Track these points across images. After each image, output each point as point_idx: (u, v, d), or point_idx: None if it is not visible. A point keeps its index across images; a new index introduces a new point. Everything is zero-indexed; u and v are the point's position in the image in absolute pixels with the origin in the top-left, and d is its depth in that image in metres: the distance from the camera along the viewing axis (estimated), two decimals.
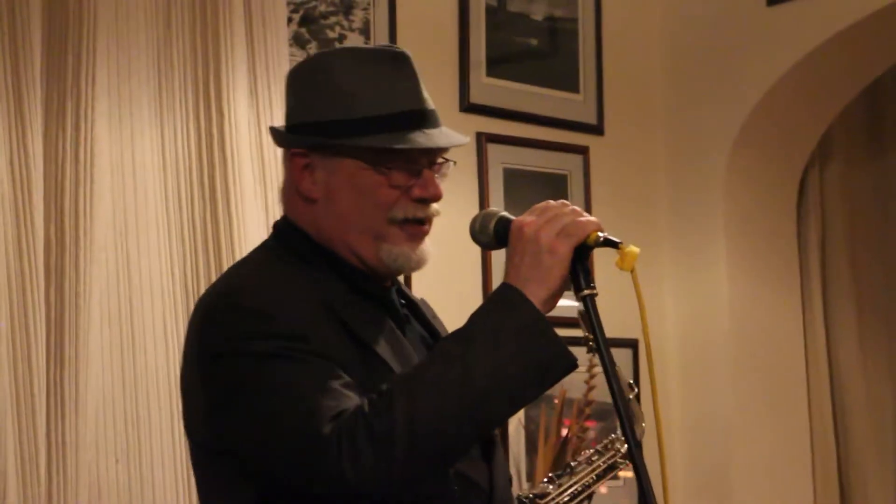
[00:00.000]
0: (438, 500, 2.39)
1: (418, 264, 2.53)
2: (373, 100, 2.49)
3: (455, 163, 2.59)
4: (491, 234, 2.47)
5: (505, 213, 2.48)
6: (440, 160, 2.55)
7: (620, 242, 2.35)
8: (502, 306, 2.34)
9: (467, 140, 2.59)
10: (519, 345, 2.28)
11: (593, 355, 2.34)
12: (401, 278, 2.65)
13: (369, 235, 2.50)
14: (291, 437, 2.28)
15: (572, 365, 2.33)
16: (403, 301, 2.63)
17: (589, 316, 2.33)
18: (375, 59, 2.55)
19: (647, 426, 2.68)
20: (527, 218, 2.39)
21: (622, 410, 2.30)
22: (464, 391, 2.25)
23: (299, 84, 2.59)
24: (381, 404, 2.23)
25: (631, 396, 2.61)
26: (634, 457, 2.28)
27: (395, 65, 2.54)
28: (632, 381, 2.64)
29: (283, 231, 2.59)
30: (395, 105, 2.49)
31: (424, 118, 2.52)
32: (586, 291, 2.35)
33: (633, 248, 2.33)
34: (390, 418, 2.22)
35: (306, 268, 2.50)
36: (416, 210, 2.50)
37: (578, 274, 2.36)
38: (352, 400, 2.27)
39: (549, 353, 2.31)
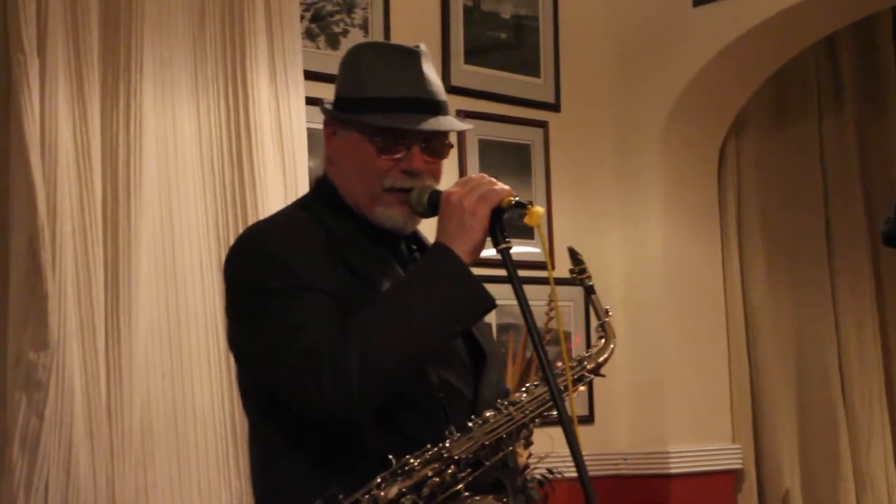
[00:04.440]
0: (423, 404, 2.39)
1: (405, 226, 2.51)
2: (379, 84, 2.46)
3: (452, 145, 2.56)
4: (425, 205, 2.45)
5: (436, 187, 2.46)
6: (448, 142, 2.53)
7: (529, 203, 2.34)
8: (435, 259, 2.36)
9: (456, 128, 2.54)
10: (448, 289, 2.31)
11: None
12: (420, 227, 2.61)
13: (368, 197, 2.47)
14: (273, 363, 2.33)
15: (491, 305, 2.36)
16: (415, 244, 2.60)
17: (505, 264, 2.32)
18: (391, 53, 2.51)
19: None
20: (453, 189, 2.39)
21: (539, 348, 2.27)
22: (405, 328, 2.28)
23: (340, 66, 2.57)
24: (341, 342, 2.25)
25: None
26: (555, 396, 2.25)
27: (406, 58, 2.49)
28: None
29: (319, 185, 2.58)
30: (397, 91, 2.45)
31: (424, 105, 2.47)
32: (502, 245, 2.35)
33: (539, 209, 2.33)
34: (348, 354, 2.24)
35: (328, 215, 2.49)
36: (403, 181, 2.46)
37: (496, 231, 2.35)
38: (326, 334, 2.28)
39: (472, 295, 2.33)
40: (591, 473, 2.19)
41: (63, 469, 3.54)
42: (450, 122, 2.51)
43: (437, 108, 2.49)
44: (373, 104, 2.45)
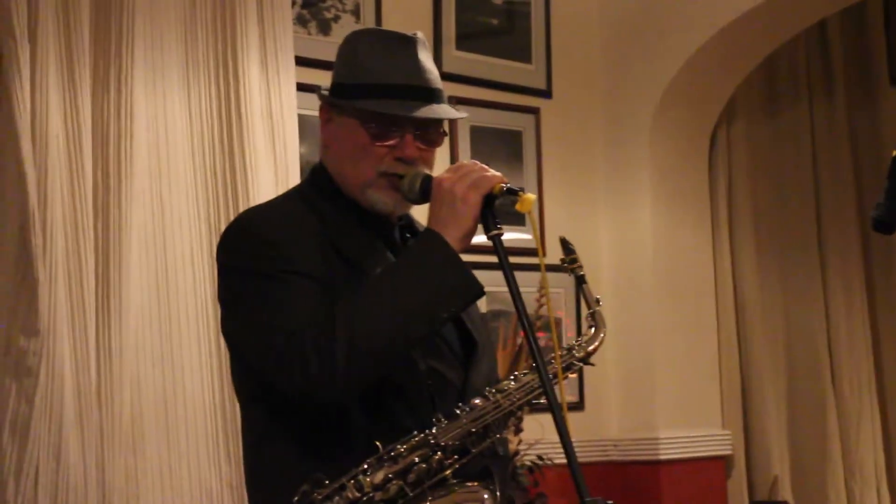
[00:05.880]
0: (411, 392, 2.40)
1: (395, 209, 2.50)
2: (374, 71, 2.45)
3: (446, 133, 2.54)
4: (417, 191, 2.43)
5: (428, 173, 2.45)
6: (442, 130, 2.52)
7: (520, 190, 2.32)
8: (425, 246, 2.35)
9: (450, 116, 2.52)
10: (436, 275, 2.30)
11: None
12: (413, 213, 2.61)
13: (359, 181, 2.47)
14: (259, 344, 2.34)
15: (479, 292, 2.35)
16: (409, 232, 2.59)
17: (497, 251, 2.31)
18: (388, 39, 2.50)
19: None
20: (445, 175, 2.38)
21: (530, 335, 2.25)
22: (391, 313, 2.27)
23: (338, 53, 2.56)
24: (328, 325, 2.25)
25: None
26: (544, 384, 2.23)
27: (403, 45, 2.48)
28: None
29: (314, 171, 2.58)
30: (392, 78, 2.44)
31: (419, 92, 2.45)
32: (494, 232, 2.33)
33: (531, 196, 2.31)
34: (333, 337, 2.24)
35: (322, 202, 2.49)
36: (396, 167, 2.46)
37: (487, 218, 2.34)
38: (313, 317, 2.29)
39: (460, 282, 2.32)
40: (580, 460, 2.17)
41: (53, 455, 3.54)
42: (444, 110, 2.50)
43: (432, 96, 2.47)
44: (368, 90, 2.44)
